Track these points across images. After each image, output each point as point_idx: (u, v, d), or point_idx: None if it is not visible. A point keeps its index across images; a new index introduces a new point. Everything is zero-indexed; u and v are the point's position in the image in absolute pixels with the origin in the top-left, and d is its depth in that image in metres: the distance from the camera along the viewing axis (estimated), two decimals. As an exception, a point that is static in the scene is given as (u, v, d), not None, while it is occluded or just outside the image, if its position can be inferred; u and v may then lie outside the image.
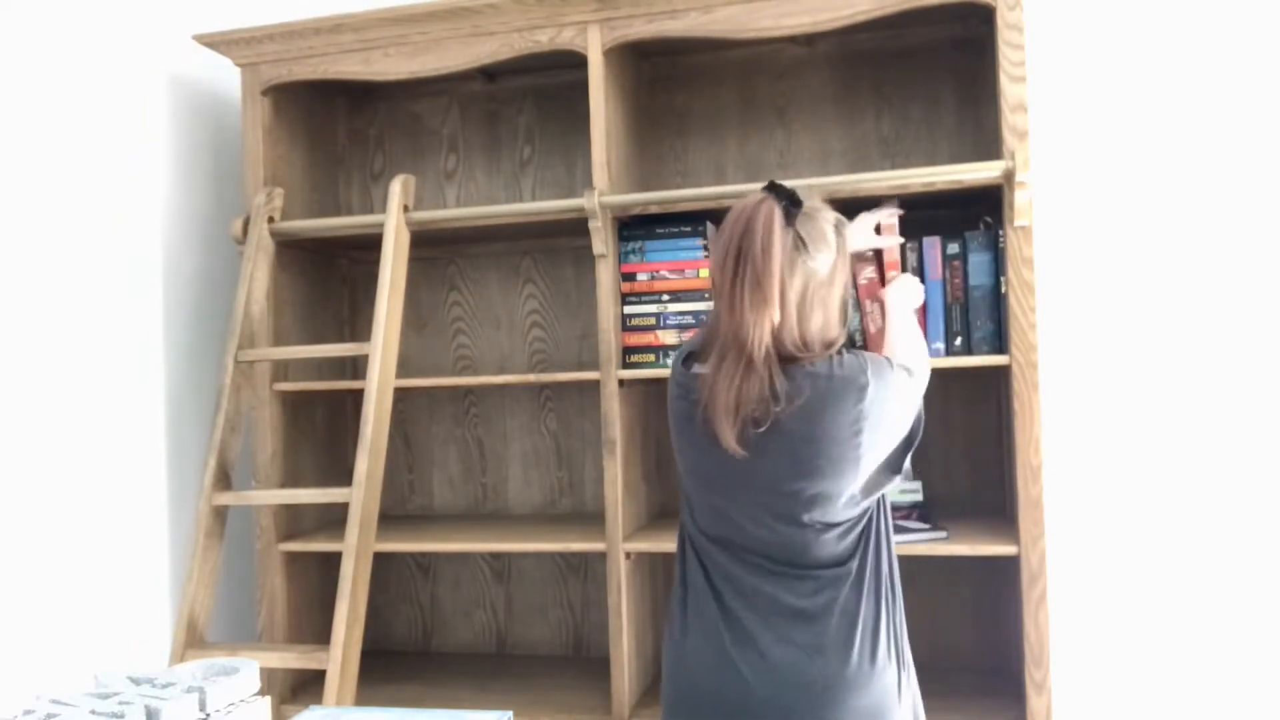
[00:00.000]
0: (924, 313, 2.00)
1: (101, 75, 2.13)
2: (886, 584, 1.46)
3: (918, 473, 2.17)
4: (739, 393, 1.38)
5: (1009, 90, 1.89)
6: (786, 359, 1.41)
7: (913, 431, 1.49)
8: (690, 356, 1.52)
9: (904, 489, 2.12)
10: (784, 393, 1.38)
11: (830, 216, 1.47)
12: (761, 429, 1.39)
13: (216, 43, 2.24)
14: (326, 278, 2.53)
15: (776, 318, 1.38)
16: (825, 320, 1.45)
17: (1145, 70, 2.19)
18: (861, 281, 2.01)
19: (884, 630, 1.43)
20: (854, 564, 1.44)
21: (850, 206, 2.12)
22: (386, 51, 2.19)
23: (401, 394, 2.56)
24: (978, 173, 1.88)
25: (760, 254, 1.37)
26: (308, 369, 2.37)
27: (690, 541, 1.53)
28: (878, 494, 1.47)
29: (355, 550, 1.92)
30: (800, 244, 1.40)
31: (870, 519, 1.47)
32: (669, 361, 2.11)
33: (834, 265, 1.46)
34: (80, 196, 2.06)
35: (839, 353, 1.44)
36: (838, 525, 1.43)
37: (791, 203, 1.41)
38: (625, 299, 2.14)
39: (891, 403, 1.44)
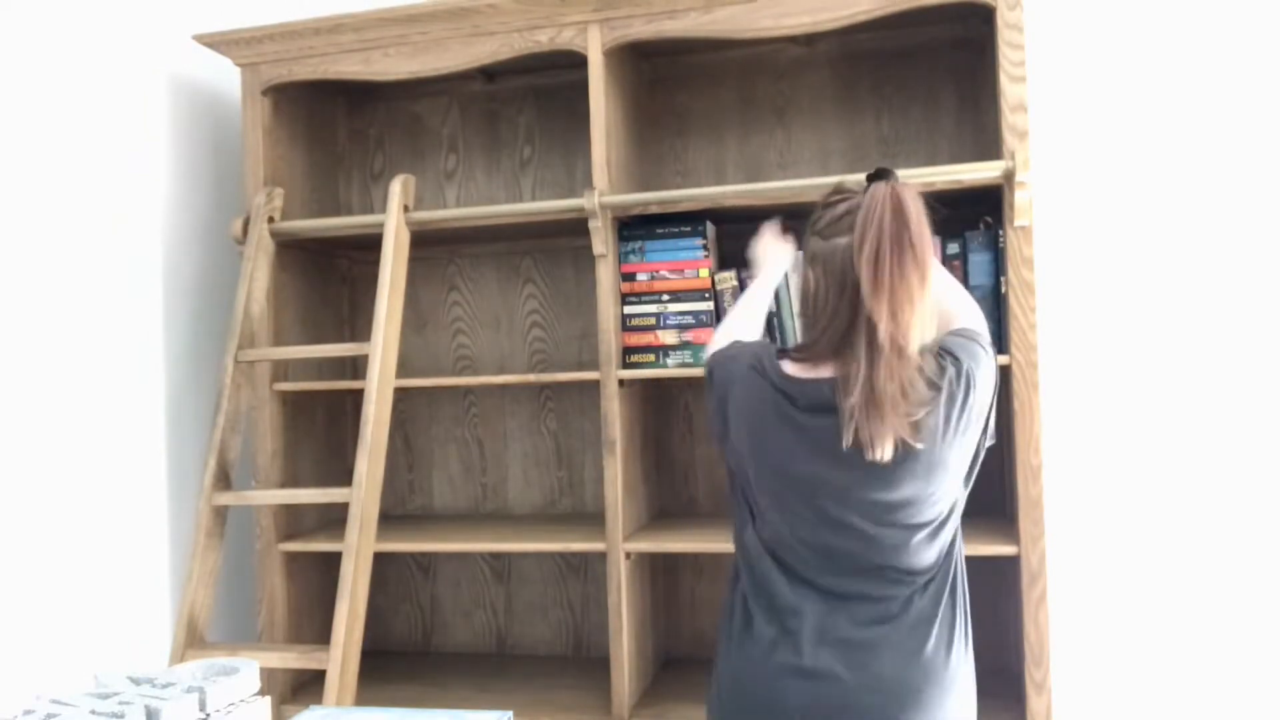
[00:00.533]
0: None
1: (101, 75, 2.13)
2: (964, 579, 1.43)
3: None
4: (901, 384, 1.29)
5: (1009, 90, 1.89)
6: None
7: (989, 412, 1.42)
8: (768, 357, 1.43)
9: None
10: (941, 380, 1.31)
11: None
12: (917, 446, 1.30)
13: (216, 43, 2.24)
14: (326, 278, 2.53)
15: (928, 304, 1.32)
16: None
17: (1145, 70, 2.19)
18: None
19: (963, 626, 1.40)
20: (944, 563, 1.39)
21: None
22: (386, 51, 2.19)
23: (401, 394, 2.56)
24: (978, 173, 1.88)
25: (918, 238, 1.31)
26: (308, 369, 2.37)
27: (756, 561, 1.44)
28: (974, 474, 1.42)
29: (355, 550, 1.92)
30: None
31: (953, 513, 1.41)
32: (669, 361, 2.11)
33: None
34: (80, 196, 2.06)
35: (943, 354, 1.37)
36: (933, 524, 1.37)
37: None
38: (625, 299, 2.14)
39: (983, 401, 1.38)
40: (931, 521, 1.37)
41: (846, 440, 1.31)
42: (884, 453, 1.30)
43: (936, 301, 1.38)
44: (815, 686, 1.35)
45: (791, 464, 1.37)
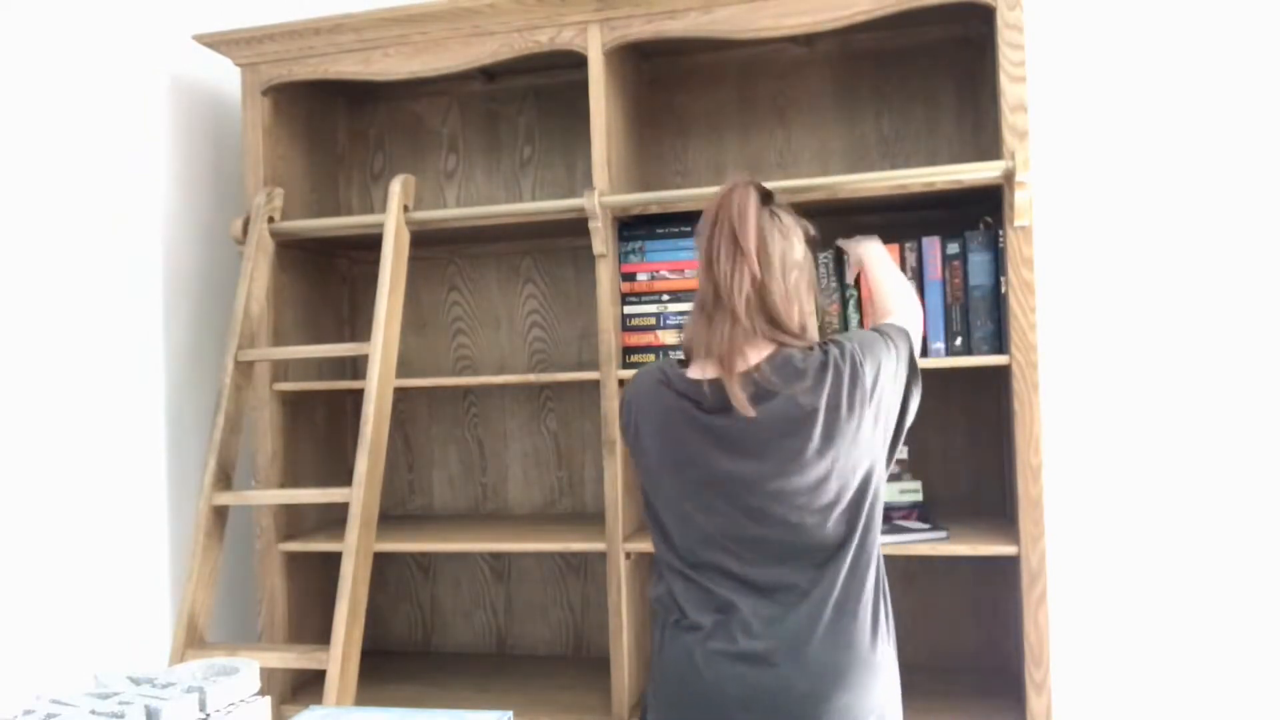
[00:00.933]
0: (924, 312, 2.00)
1: (101, 75, 2.13)
2: (881, 560, 1.48)
3: (917, 473, 2.17)
4: (730, 344, 1.42)
5: (1009, 90, 1.89)
6: (774, 326, 1.45)
7: (906, 393, 1.53)
8: (670, 368, 1.52)
9: (904, 488, 2.12)
10: (797, 368, 1.41)
11: (799, 222, 1.55)
12: (767, 400, 1.40)
13: (216, 43, 2.24)
14: (326, 278, 2.53)
15: (757, 270, 1.44)
16: (801, 308, 1.50)
17: (1145, 70, 2.19)
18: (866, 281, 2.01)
19: (885, 612, 1.45)
20: (862, 545, 1.44)
21: (850, 207, 2.13)
22: (386, 51, 2.19)
23: (401, 394, 2.56)
24: (978, 173, 1.88)
25: (737, 215, 1.45)
26: (308, 369, 2.37)
27: (683, 569, 1.48)
28: (887, 467, 1.50)
29: (355, 550, 1.92)
30: (775, 217, 1.50)
31: (866, 495, 1.46)
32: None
33: (806, 257, 1.53)
34: (80, 196, 2.06)
35: (827, 342, 1.48)
36: (840, 506, 1.43)
37: (763, 191, 1.51)
38: (625, 299, 2.14)
39: (886, 379, 1.47)
40: (842, 499, 1.42)
41: (710, 399, 1.43)
42: (743, 408, 1.39)
43: (790, 284, 1.48)
44: (752, 672, 1.40)
45: (709, 465, 1.44)
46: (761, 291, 1.45)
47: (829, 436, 1.40)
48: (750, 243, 1.44)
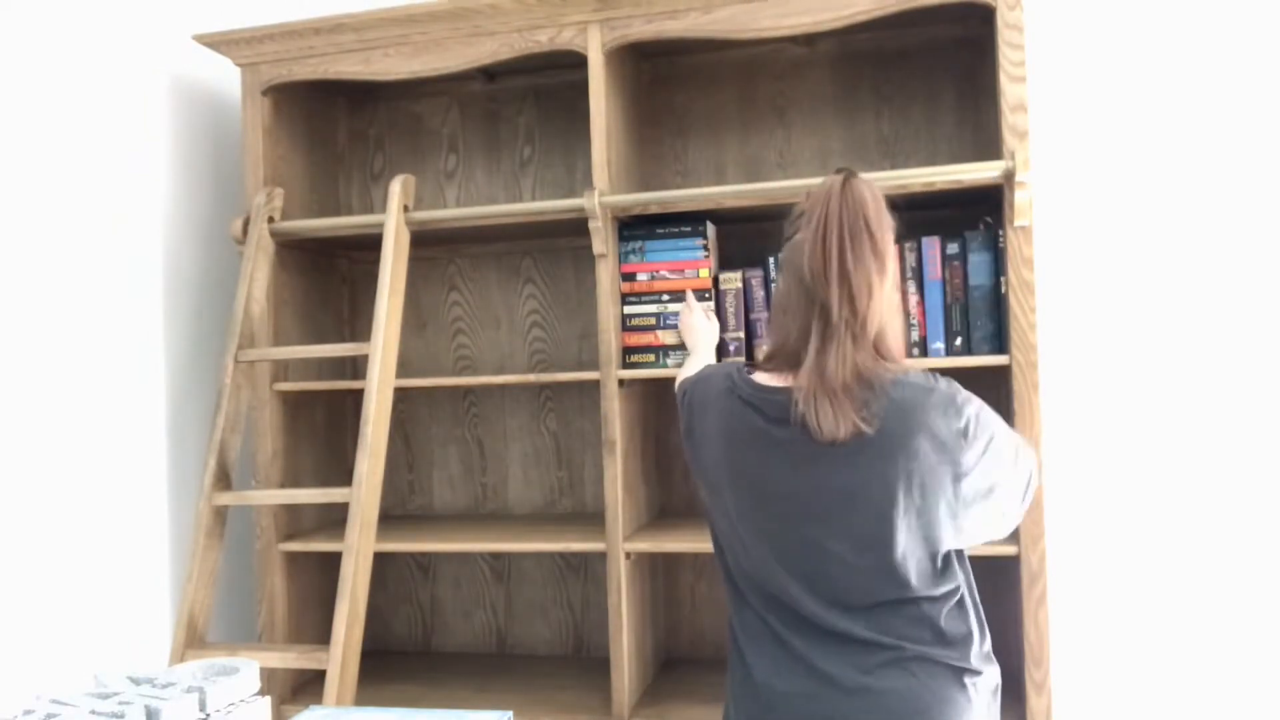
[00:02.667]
0: (923, 312, 2.00)
1: (101, 75, 2.13)
2: (977, 596, 1.37)
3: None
4: (853, 369, 1.25)
5: (1009, 90, 1.89)
6: (880, 349, 1.29)
7: (1027, 474, 1.36)
8: (738, 373, 1.38)
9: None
10: (891, 397, 1.26)
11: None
12: (868, 430, 1.24)
13: (216, 43, 2.24)
14: (326, 278, 2.53)
15: (888, 290, 1.28)
16: (902, 323, 1.39)
17: (1145, 70, 2.19)
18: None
19: (982, 643, 1.35)
20: (951, 584, 1.32)
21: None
22: (386, 51, 2.19)
23: (401, 394, 2.56)
24: (978, 173, 1.88)
25: (875, 221, 1.28)
26: (308, 369, 2.37)
27: (739, 590, 1.38)
28: (983, 535, 1.34)
29: (355, 550, 1.92)
30: (889, 229, 1.33)
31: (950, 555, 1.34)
32: (669, 362, 2.11)
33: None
34: (80, 196, 2.06)
35: (929, 373, 1.33)
36: (935, 551, 1.30)
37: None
38: (625, 299, 2.14)
39: (998, 429, 1.32)
40: (934, 548, 1.29)
41: (794, 418, 1.26)
42: (835, 434, 1.24)
43: (896, 302, 1.34)
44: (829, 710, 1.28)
45: (768, 481, 1.31)
46: (885, 318, 1.30)
47: (925, 468, 1.25)
48: (889, 259, 1.28)
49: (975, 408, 1.30)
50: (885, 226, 1.31)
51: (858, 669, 1.29)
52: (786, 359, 1.34)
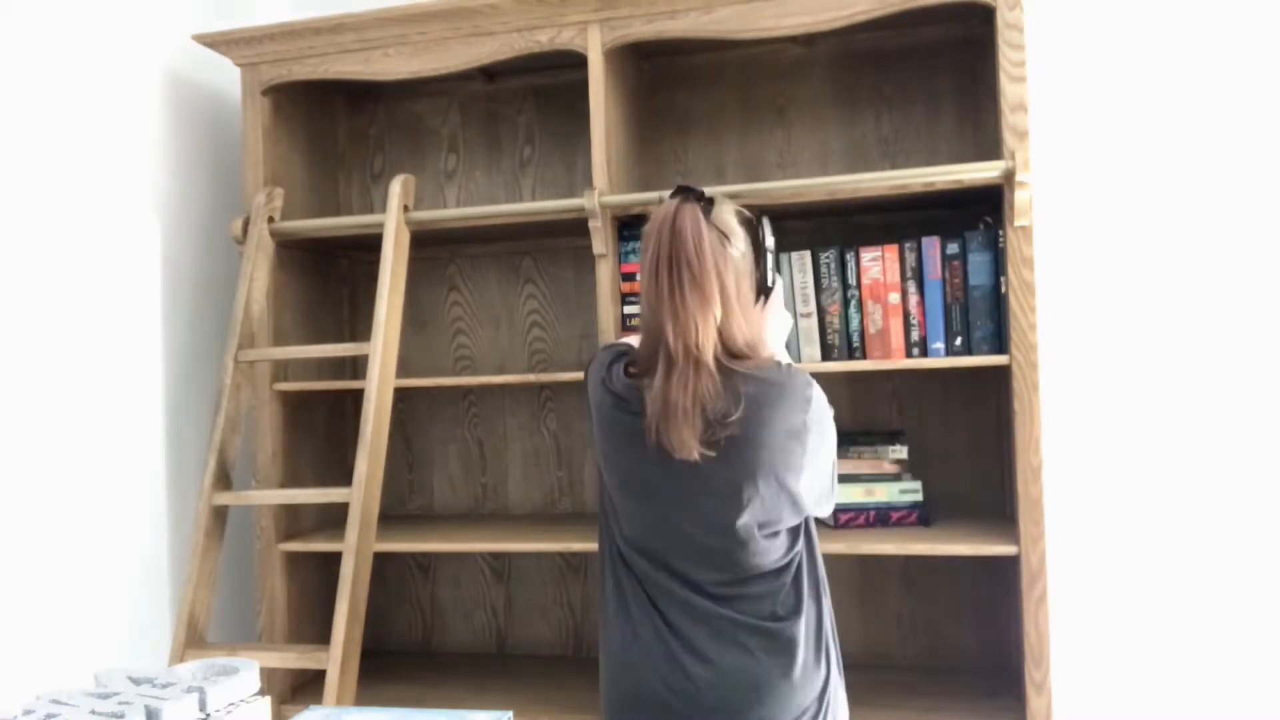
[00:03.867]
0: (923, 312, 2.00)
1: (101, 75, 2.13)
2: (822, 585, 1.49)
3: (917, 473, 2.17)
4: (694, 396, 1.36)
5: (1009, 90, 1.89)
6: (735, 357, 1.40)
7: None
8: (617, 364, 1.50)
9: (904, 488, 2.12)
10: (742, 393, 1.37)
11: (733, 207, 1.49)
12: (723, 434, 1.36)
13: (216, 43, 2.24)
14: (326, 278, 2.53)
15: (719, 314, 1.39)
16: (750, 321, 1.44)
17: (1145, 70, 2.19)
18: (866, 281, 2.01)
19: (825, 631, 1.46)
20: (793, 567, 1.45)
21: (850, 207, 2.13)
22: (386, 51, 2.19)
23: (401, 394, 2.56)
24: (978, 173, 1.88)
25: (695, 255, 1.38)
26: (308, 369, 2.37)
27: (620, 555, 1.50)
28: (822, 508, 1.50)
29: (355, 550, 1.92)
30: (724, 238, 1.42)
31: (803, 522, 1.49)
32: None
33: (746, 248, 1.47)
34: (80, 196, 2.06)
35: (783, 364, 1.46)
36: (778, 531, 1.43)
37: (704, 200, 1.44)
38: (625, 299, 2.14)
39: (830, 420, 1.47)
40: (774, 527, 1.42)
41: (650, 442, 1.38)
42: (685, 455, 1.35)
43: (746, 315, 1.43)
44: (668, 681, 1.42)
45: (636, 468, 1.44)
46: (729, 332, 1.39)
47: (773, 459, 1.38)
48: (713, 287, 1.38)
49: (818, 397, 1.44)
50: (706, 249, 1.39)
51: (709, 640, 1.42)
52: (643, 363, 1.45)
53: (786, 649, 1.41)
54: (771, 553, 1.43)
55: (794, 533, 1.46)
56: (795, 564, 1.46)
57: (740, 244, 1.44)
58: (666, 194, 2.02)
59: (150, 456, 2.22)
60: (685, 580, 1.44)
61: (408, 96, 2.56)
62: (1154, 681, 2.18)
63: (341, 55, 2.21)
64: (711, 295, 1.38)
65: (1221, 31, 2.15)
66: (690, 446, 1.35)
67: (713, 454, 1.36)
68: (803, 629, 1.43)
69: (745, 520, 1.39)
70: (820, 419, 1.44)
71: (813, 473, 1.43)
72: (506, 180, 2.52)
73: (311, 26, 2.19)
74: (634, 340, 1.57)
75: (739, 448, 1.37)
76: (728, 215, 1.45)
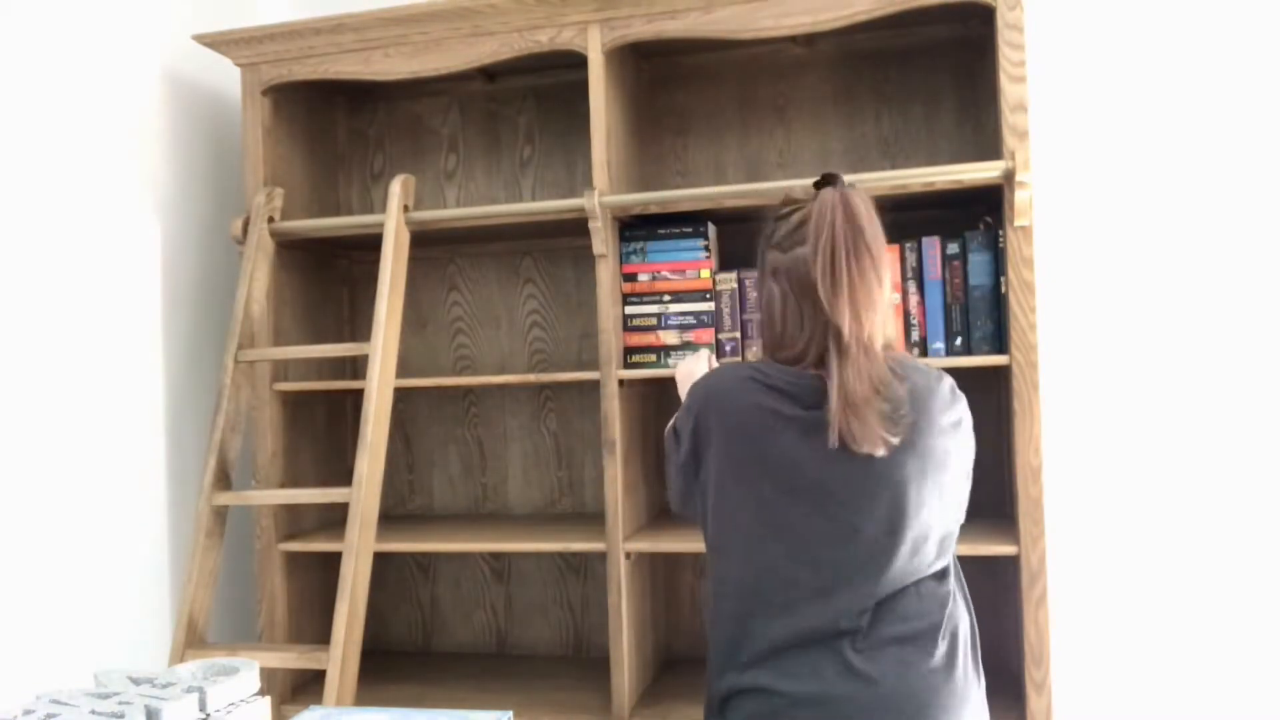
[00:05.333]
0: (923, 312, 2.00)
1: (102, 75, 2.13)
2: (968, 591, 1.42)
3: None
4: (870, 381, 1.29)
5: (1009, 90, 1.89)
6: (888, 346, 1.37)
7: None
8: (760, 366, 1.41)
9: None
10: (906, 376, 1.33)
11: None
12: (900, 417, 1.30)
13: (216, 43, 2.24)
14: (326, 278, 2.53)
15: (888, 301, 1.38)
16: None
17: (1145, 70, 2.19)
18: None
19: (974, 640, 1.39)
20: (950, 574, 1.38)
21: (850, 206, 2.12)
22: (386, 51, 2.19)
23: (401, 394, 2.56)
24: (978, 173, 1.88)
25: (872, 241, 1.35)
26: (308, 369, 2.37)
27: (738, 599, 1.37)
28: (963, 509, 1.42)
29: (355, 550, 1.92)
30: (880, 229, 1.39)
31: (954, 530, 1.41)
32: (670, 362, 2.11)
33: None
34: (80, 196, 2.06)
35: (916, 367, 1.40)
36: (936, 535, 1.35)
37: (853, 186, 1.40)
38: (626, 299, 2.14)
39: (970, 421, 1.42)
40: (934, 530, 1.34)
41: (833, 440, 1.29)
42: (871, 450, 1.28)
43: (891, 299, 1.43)
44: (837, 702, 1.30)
45: (798, 468, 1.32)
46: (887, 316, 1.37)
47: (923, 459, 1.33)
48: (885, 275, 1.36)
49: (963, 400, 1.41)
50: (880, 238, 1.37)
51: (870, 660, 1.31)
52: (796, 358, 1.37)
53: (949, 661, 1.33)
54: (928, 559, 1.36)
55: (951, 551, 1.39)
56: (951, 572, 1.39)
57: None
58: (665, 194, 2.04)
59: (150, 456, 2.22)
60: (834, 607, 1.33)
61: (408, 96, 2.56)
62: (1154, 681, 2.18)
63: (341, 55, 2.21)
64: (884, 277, 1.37)
65: (1221, 31, 2.15)
66: (870, 442, 1.28)
67: (896, 443, 1.29)
68: (962, 639, 1.36)
69: (911, 520, 1.31)
70: (967, 413, 1.41)
71: (966, 470, 1.40)
72: (506, 180, 2.52)
73: (311, 26, 2.19)
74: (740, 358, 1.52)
75: (910, 441, 1.31)
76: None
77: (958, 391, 1.40)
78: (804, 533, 1.32)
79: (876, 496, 1.31)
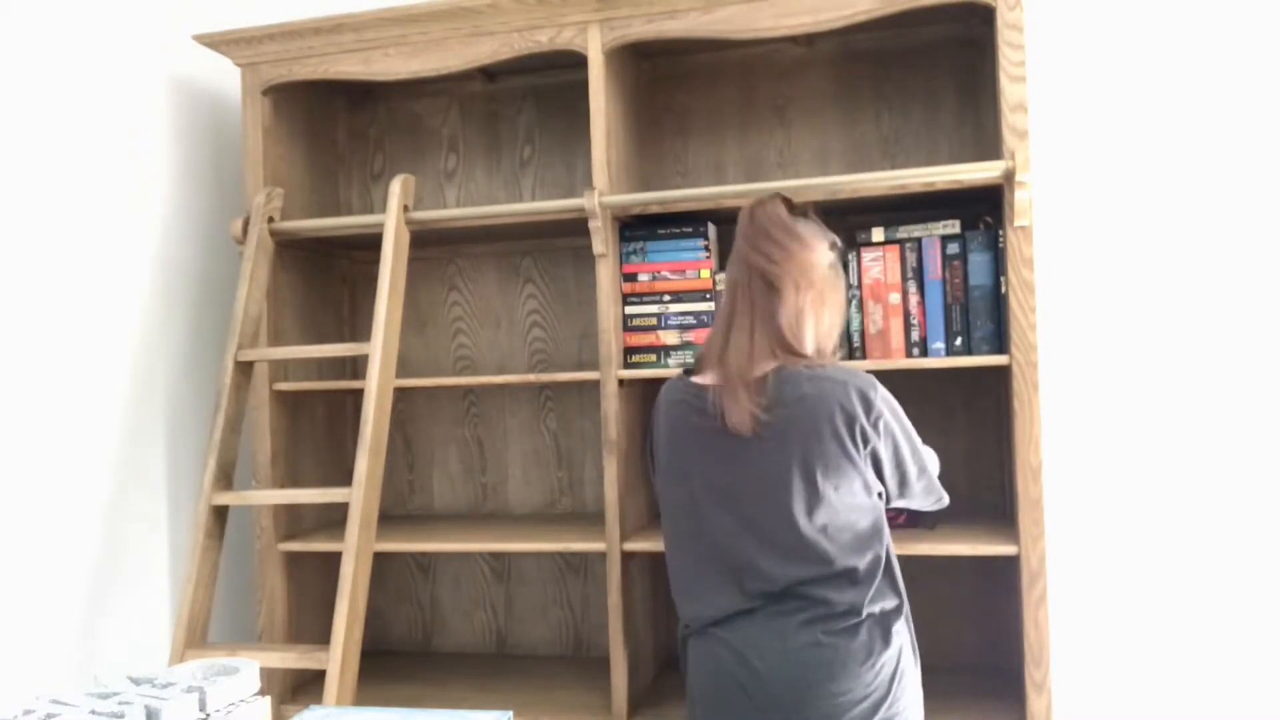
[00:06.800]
0: (924, 312, 2.00)
1: (102, 75, 2.13)
2: (898, 573, 1.54)
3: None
4: (751, 360, 1.48)
5: (1009, 90, 1.89)
6: (783, 346, 1.51)
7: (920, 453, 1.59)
8: (686, 375, 1.61)
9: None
10: (792, 379, 1.48)
11: (818, 223, 1.62)
12: (769, 415, 1.45)
13: (216, 43, 2.24)
14: (326, 278, 2.53)
15: (794, 307, 1.50)
16: (831, 324, 1.56)
17: (1145, 70, 2.19)
18: (867, 281, 2.01)
19: (902, 617, 1.53)
20: (875, 555, 1.50)
21: (850, 207, 2.13)
22: (386, 51, 2.19)
23: (401, 394, 2.56)
24: (978, 173, 1.88)
25: (756, 231, 1.53)
26: (307, 369, 2.37)
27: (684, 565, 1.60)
28: (903, 501, 1.60)
29: (355, 550, 1.92)
30: (793, 233, 1.54)
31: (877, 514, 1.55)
32: (670, 362, 2.11)
33: (832, 270, 1.58)
34: (80, 196, 2.06)
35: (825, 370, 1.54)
36: (852, 523, 1.50)
37: (788, 202, 1.56)
38: (627, 299, 2.14)
39: (897, 414, 1.54)
40: (846, 522, 1.49)
41: (713, 408, 1.48)
42: (740, 426, 1.45)
43: (820, 312, 1.55)
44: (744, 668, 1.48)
45: (708, 468, 1.51)
46: (796, 328, 1.51)
47: (835, 451, 1.48)
48: (770, 262, 1.51)
49: (883, 398, 1.51)
50: (787, 249, 1.54)
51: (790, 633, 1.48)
52: (709, 359, 1.57)
53: (860, 637, 1.49)
54: (845, 545, 1.52)
55: (871, 522, 1.56)
56: (875, 553, 1.54)
57: (825, 252, 1.60)
58: (665, 194, 2.04)
59: (150, 456, 2.22)
60: (761, 577, 1.51)
61: (408, 96, 2.56)
62: (1154, 681, 2.18)
63: (341, 55, 2.21)
64: (761, 267, 1.55)
65: (1221, 31, 2.15)
66: (743, 416, 1.47)
67: (767, 419, 1.47)
68: (878, 619, 1.51)
69: (811, 513, 1.49)
70: (882, 411, 1.52)
71: (880, 462, 1.55)
72: (506, 180, 2.52)
73: (311, 26, 2.19)
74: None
75: (803, 439, 1.47)
76: (816, 224, 1.62)
77: (872, 394, 1.49)
78: (721, 524, 1.51)
79: (763, 497, 1.47)
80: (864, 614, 1.46)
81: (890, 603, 1.50)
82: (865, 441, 1.47)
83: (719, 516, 1.51)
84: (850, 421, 1.46)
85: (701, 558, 1.53)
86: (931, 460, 1.64)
